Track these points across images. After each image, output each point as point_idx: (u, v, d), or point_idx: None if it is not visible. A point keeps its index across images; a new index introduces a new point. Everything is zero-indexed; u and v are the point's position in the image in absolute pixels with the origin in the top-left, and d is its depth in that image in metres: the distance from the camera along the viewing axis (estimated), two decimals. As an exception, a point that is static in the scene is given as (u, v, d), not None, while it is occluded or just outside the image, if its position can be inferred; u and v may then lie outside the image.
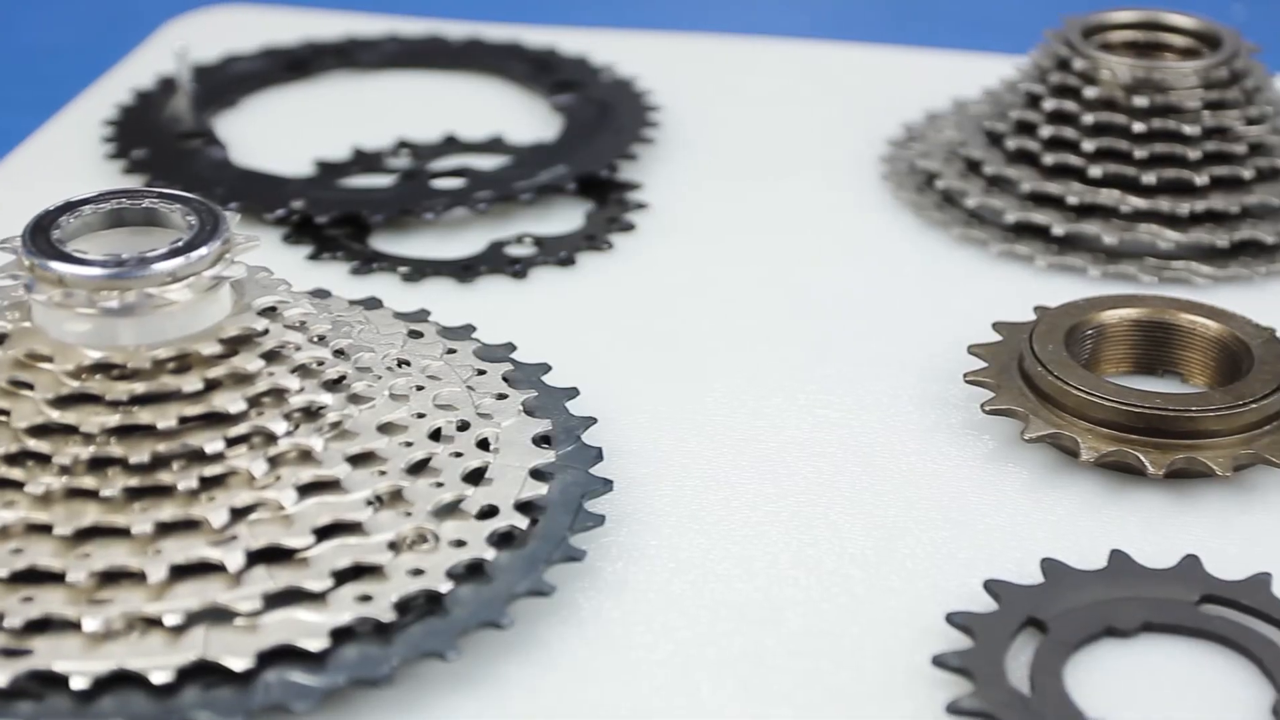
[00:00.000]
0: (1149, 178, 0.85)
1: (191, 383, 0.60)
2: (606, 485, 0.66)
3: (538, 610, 0.62)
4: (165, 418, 0.59)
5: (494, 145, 0.95)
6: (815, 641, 0.61)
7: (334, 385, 0.64)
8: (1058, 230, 0.85)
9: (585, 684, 0.59)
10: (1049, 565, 0.63)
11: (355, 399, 0.64)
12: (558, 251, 0.85)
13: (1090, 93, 0.87)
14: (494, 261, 0.84)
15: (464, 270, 0.84)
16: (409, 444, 0.64)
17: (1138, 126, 0.86)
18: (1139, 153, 0.85)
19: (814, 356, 0.78)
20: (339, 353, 0.66)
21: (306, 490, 0.61)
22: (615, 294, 0.83)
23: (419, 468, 0.64)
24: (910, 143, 0.96)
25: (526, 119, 1.00)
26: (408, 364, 0.69)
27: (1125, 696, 0.58)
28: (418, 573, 0.60)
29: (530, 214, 0.89)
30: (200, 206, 0.63)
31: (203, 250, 0.61)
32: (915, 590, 0.64)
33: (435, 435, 0.65)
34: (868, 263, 0.86)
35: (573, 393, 0.71)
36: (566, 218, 0.89)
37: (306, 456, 0.61)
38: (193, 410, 0.60)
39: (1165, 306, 0.75)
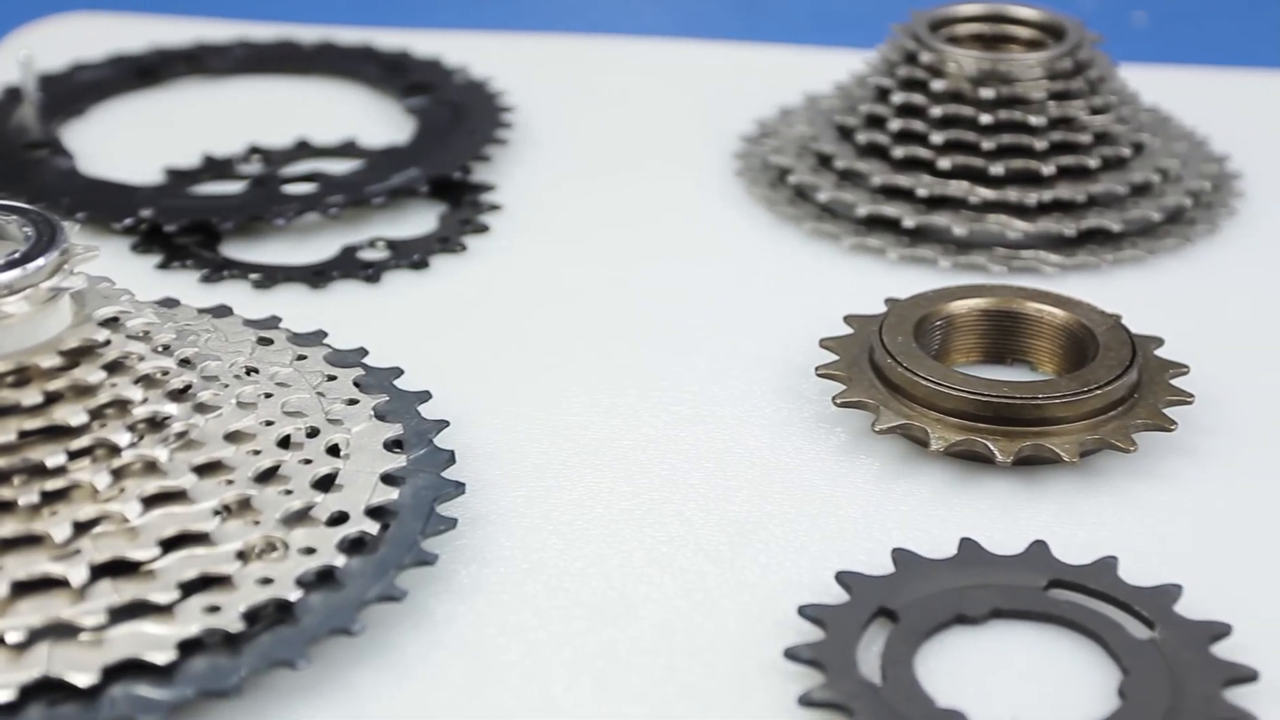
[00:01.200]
0: (997, 169, 0.86)
1: (31, 396, 0.59)
2: (459, 488, 0.65)
3: (390, 616, 0.61)
4: (4, 432, 0.58)
5: (347, 149, 0.95)
6: (669, 638, 0.61)
7: (179, 395, 0.63)
8: (908, 223, 0.85)
9: (439, 689, 0.59)
10: (900, 555, 0.63)
11: (201, 408, 0.64)
12: (411, 254, 0.85)
13: (938, 86, 0.88)
14: (346, 266, 0.84)
15: (316, 276, 0.83)
16: (257, 452, 0.63)
17: (985, 118, 0.87)
18: (987, 144, 0.86)
19: (668, 353, 0.78)
20: (184, 362, 0.65)
21: (151, 502, 0.60)
22: (469, 296, 0.83)
23: (267, 476, 0.63)
24: (763, 138, 0.96)
25: (379, 122, 0.99)
26: (256, 371, 0.69)
27: (975, 683, 0.59)
28: (266, 581, 0.59)
29: (383, 217, 0.89)
30: (37, 217, 0.62)
31: (40, 261, 0.60)
32: (768, 584, 0.64)
33: (284, 442, 0.65)
34: (721, 259, 0.86)
35: (425, 396, 0.70)
36: (420, 220, 0.89)
37: (151, 468, 0.60)
38: (32, 424, 0.59)
39: (1012, 296, 0.76)
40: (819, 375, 0.73)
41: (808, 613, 0.61)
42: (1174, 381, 0.72)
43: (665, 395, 0.75)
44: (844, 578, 0.62)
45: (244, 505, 0.61)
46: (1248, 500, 0.68)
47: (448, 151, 0.93)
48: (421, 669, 0.60)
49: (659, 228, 0.89)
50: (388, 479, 0.65)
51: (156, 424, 0.62)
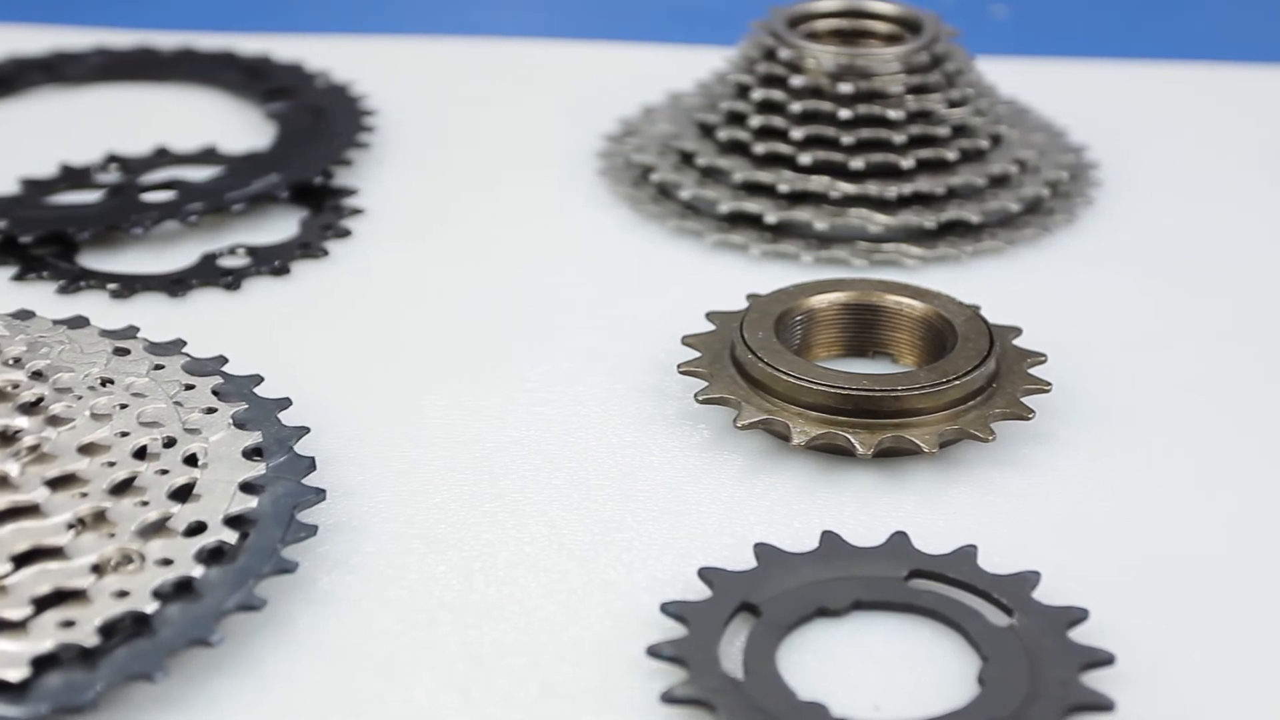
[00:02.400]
0: (857, 163, 0.86)
1: (-124, 413, 0.58)
2: (319, 495, 0.65)
3: (250, 625, 0.61)
4: None
5: (207, 156, 0.94)
6: (533, 639, 0.61)
7: (30, 408, 0.62)
8: (770, 218, 0.86)
9: (300, 697, 0.59)
10: (762, 550, 0.64)
11: (54, 421, 0.63)
12: (271, 261, 0.84)
13: (797, 81, 0.88)
14: (206, 274, 0.83)
15: (175, 284, 0.82)
16: (112, 464, 0.63)
17: (844, 113, 0.87)
18: (846, 139, 0.87)
19: (533, 354, 0.78)
20: (36, 374, 0.64)
21: (3, 517, 0.59)
22: (331, 302, 0.82)
23: (123, 487, 0.62)
24: (626, 137, 0.96)
25: (240, 128, 0.98)
26: (112, 382, 0.68)
27: (837, 675, 0.59)
28: (123, 594, 0.58)
29: (244, 224, 0.88)
30: (-119, 231, 0.61)
31: (-118, 276, 0.59)
32: (633, 582, 0.64)
33: (140, 453, 0.64)
34: (585, 258, 0.86)
35: (285, 403, 0.70)
36: (281, 227, 0.88)
37: (2, 482, 0.60)
38: (-122, 441, 0.58)
39: (871, 289, 0.77)
40: (681, 372, 0.73)
41: (670, 610, 0.61)
42: (1032, 370, 0.73)
43: (529, 396, 0.75)
44: (706, 574, 0.62)
45: (99, 518, 0.61)
46: (1104, 486, 0.69)
47: (309, 156, 0.92)
48: (282, 678, 0.59)
49: (522, 229, 0.89)
50: (247, 487, 0.64)
51: (7, 438, 0.61)
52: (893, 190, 0.86)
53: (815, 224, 0.85)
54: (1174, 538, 0.66)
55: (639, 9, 1.24)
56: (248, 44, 1.07)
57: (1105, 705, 0.57)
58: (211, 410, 0.68)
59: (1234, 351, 0.78)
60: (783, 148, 0.87)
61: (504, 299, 0.82)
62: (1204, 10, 1.24)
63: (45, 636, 0.57)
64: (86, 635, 0.57)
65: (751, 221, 0.87)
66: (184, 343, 0.74)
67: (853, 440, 0.69)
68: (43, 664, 0.56)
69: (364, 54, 1.07)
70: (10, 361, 0.63)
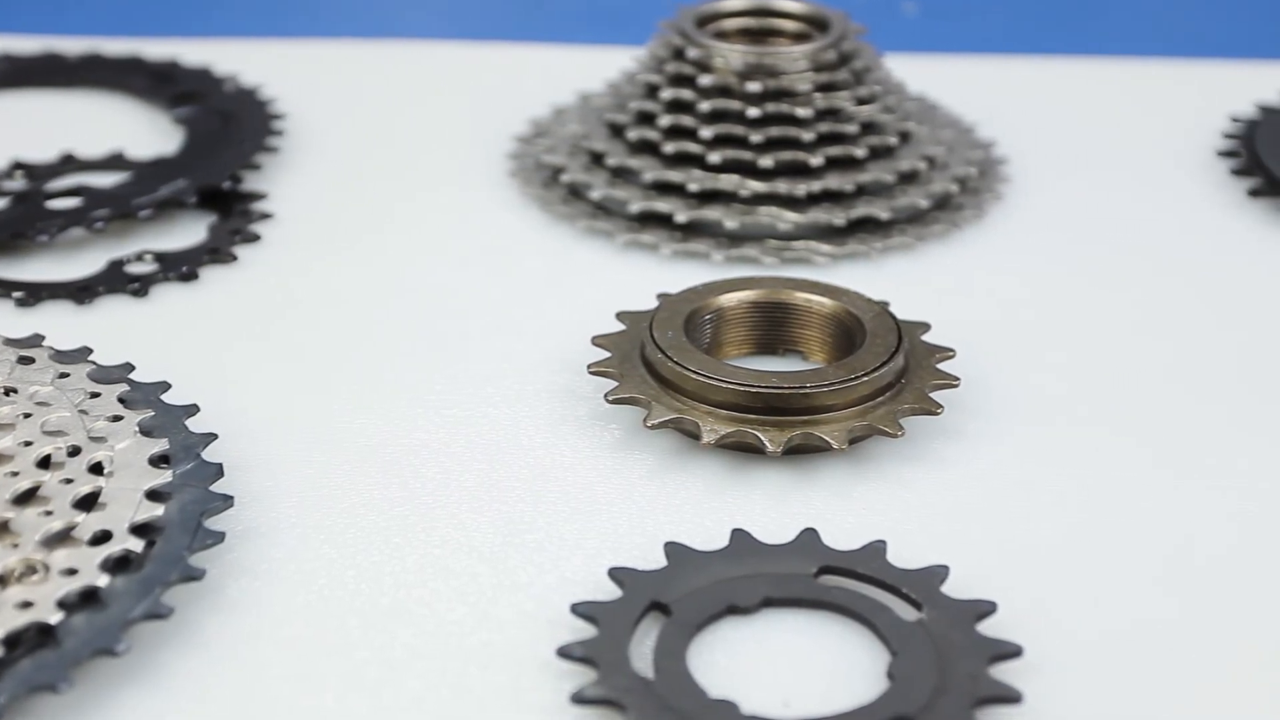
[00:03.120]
0: (766, 161, 0.87)
1: None
2: (227, 501, 0.65)
3: (157, 634, 0.60)
4: None
5: (113, 162, 0.93)
6: (444, 642, 0.61)
7: (-70, 419, 0.62)
8: (681, 217, 0.86)
9: (208, 706, 0.58)
10: (672, 549, 0.64)
11: (-45, 431, 0.62)
12: (179, 267, 0.84)
13: (705, 81, 0.88)
14: (113, 281, 0.82)
15: (81, 292, 0.81)
16: (14, 474, 0.62)
17: (752, 112, 0.87)
18: (755, 137, 0.87)
19: (443, 357, 0.77)
20: (-62, 385, 0.64)
21: (-96, 529, 0.59)
22: (240, 307, 0.82)
23: (26, 497, 0.62)
24: (536, 138, 0.96)
25: (147, 133, 0.97)
26: (15, 391, 0.67)
27: (747, 672, 0.59)
28: (26, 605, 0.58)
29: (151, 230, 0.87)
30: None
31: None
32: (543, 583, 0.64)
33: (44, 463, 0.64)
34: (496, 260, 0.86)
35: (193, 410, 0.69)
36: (189, 232, 0.87)
37: (-98, 494, 0.59)
38: None
39: (780, 287, 0.77)
40: (591, 373, 0.73)
41: (580, 610, 0.61)
42: (940, 366, 0.73)
43: (439, 399, 0.74)
44: (617, 574, 0.62)
45: (2, 528, 0.60)
46: (1012, 479, 0.69)
47: (217, 161, 0.92)
48: (190, 686, 0.59)
49: (433, 231, 0.88)
50: (153, 495, 0.64)
51: (-93, 449, 0.60)
52: (802, 188, 0.86)
53: (725, 222, 0.86)
54: (1082, 529, 0.67)
55: (549, 10, 1.24)
56: (155, 49, 1.06)
57: (1013, 697, 0.57)
58: (117, 418, 0.68)
59: (1139, 344, 0.79)
60: (692, 147, 0.87)
61: (414, 302, 0.82)
62: (1111, 6, 1.25)
63: (-53, 649, 0.56)
64: (-11, 647, 0.56)
65: (662, 221, 0.87)
66: (90, 350, 0.73)
67: (762, 438, 0.69)
68: (-55, 677, 0.56)
69: (273, 58, 1.07)
70: (-90, 372, 0.62)
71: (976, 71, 1.07)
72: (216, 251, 0.85)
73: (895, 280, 0.83)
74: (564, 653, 0.59)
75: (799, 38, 0.92)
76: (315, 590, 0.63)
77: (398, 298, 0.82)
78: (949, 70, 1.06)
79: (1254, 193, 0.91)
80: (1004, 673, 0.58)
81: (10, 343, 0.73)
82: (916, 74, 0.97)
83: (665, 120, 0.88)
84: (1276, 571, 0.65)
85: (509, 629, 0.62)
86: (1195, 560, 0.65)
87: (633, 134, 0.89)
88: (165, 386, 0.71)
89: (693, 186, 0.87)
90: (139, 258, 0.84)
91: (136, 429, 0.67)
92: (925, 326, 0.75)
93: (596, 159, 0.90)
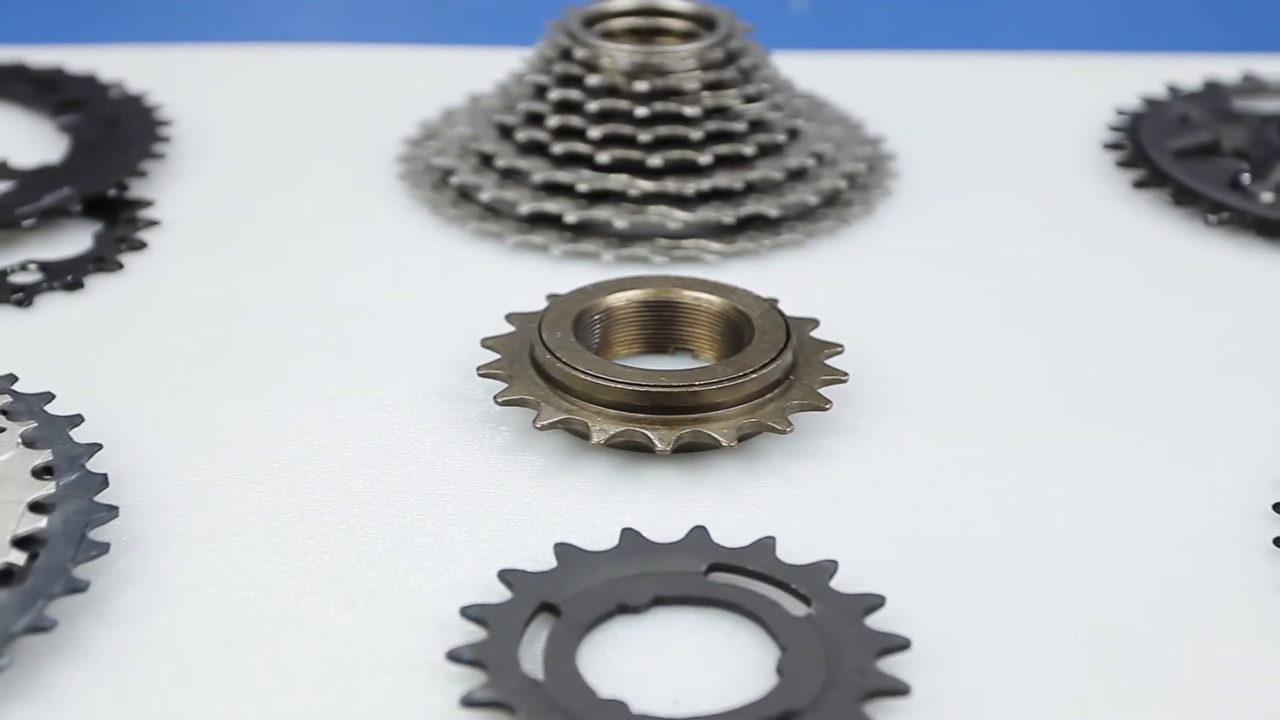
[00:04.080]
0: (655, 160, 0.87)
1: None
2: (112, 512, 0.64)
3: (41, 647, 0.59)
4: None
5: (-3, 170, 0.92)
6: (333, 649, 0.61)
7: None
8: (570, 218, 0.86)
9: (97, 718, 0.58)
10: (562, 549, 0.64)
11: None
12: (64, 276, 0.83)
13: (593, 81, 0.88)
14: (-3, 291, 0.82)
15: (-36, 302, 0.81)
16: (-107, 489, 0.61)
17: (640, 111, 0.87)
18: (644, 136, 0.87)
19: (332, 362, 0.77)
20: None
21: None
22: (127, 315, 0.81)
23: (-96, 513, 0.61)
24: (426, 141, 0.96)
25: (31, 142, 0.96)
26: (-106, 405, 0.67)
27: (638, 672, 0.59)
28: (-95, 622, 0.57)
29: (35, 239, 0.86)
30: None
31: None
32: (432, 587, 0.64)
33: (-77, 477, 0.63)
34: (386, 263, 0.85)
35: (77, 420, 0.69)
36: (74, 241, 0.86)
37: None
38: None
39: (669, 285, 0.77)
40: (481, 375, 0.73)
41: (469, 613, 0.60)
42: (829, 361, 0.73)
43: (328, 404, 0.74)
44: (506, 575, 0.62)
45: (-121, 545, 0.59)
46: (900, 473, 0.70)
47: (102, 168, 0.91)
48: (76, 700, 0.58)
49: (322, 235, 0.88)
50: (36, 507, 0.63)
51: None
52: (691, 187, 0.86)
53: (615, 222, 0.86)
54: (969, 521, 0.67)
55: (437, 11, 1.24)
56: (39, 56, 1.05)
57: (901, 690, 0.58)
58: (-1, 430, 0.67)
59: (1025, 336, 0.79)
60: (581, 147, 0.87)
61: (302, 307, 0.81)
62: (998, 1, 1.26)
63: None
64: None
65: (552, 222, 0.87)
66: (-28, 363, 0.72)
67: (652, 437, 0.69)
68: None
69: (160, 64, 1.06)
70: None
71: (866, 68, 1.08)
72: (102, 260, 0.84)
73: (785, 277, 0.83)
74: (453, 656, 0.59)
75: (686, 36, 0.92)
76: (203, 599, 0.63)
77: (286, 303, 0.82)
78: (838, 67, 1.06)
79: (1139, 184, 0.92)
80: (893, 665, 0.59)
81: (-110, 356, 0.72)
82: (806, 71, 0.98)
83: (554, 121, 0.88)
84: (1157, 557, 0.65)
85: (398, 634, 0.61)
86: (1078, 548, 0.66)
87: (522, 135, 0.89)
88: (49, 397, 0.70)
89: (582, 187, 0.86)
90: (23, 267, 0.84)
91: (19, 441, 0.66)
92: (814, 323, 0.75)
93: (486, 160, 0.90)
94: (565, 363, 0.70)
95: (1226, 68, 1.04)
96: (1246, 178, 0.90)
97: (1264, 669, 0.60)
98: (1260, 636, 0.62)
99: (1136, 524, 0.67)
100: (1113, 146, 0.96)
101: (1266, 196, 0.89)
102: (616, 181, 0.86)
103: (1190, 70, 1.04)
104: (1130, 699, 0.59)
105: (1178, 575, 0.65)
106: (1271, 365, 0.77)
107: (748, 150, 0.88)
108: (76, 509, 0.64)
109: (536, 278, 0.83)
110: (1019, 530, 0.67)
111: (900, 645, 0.59)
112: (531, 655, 0.59)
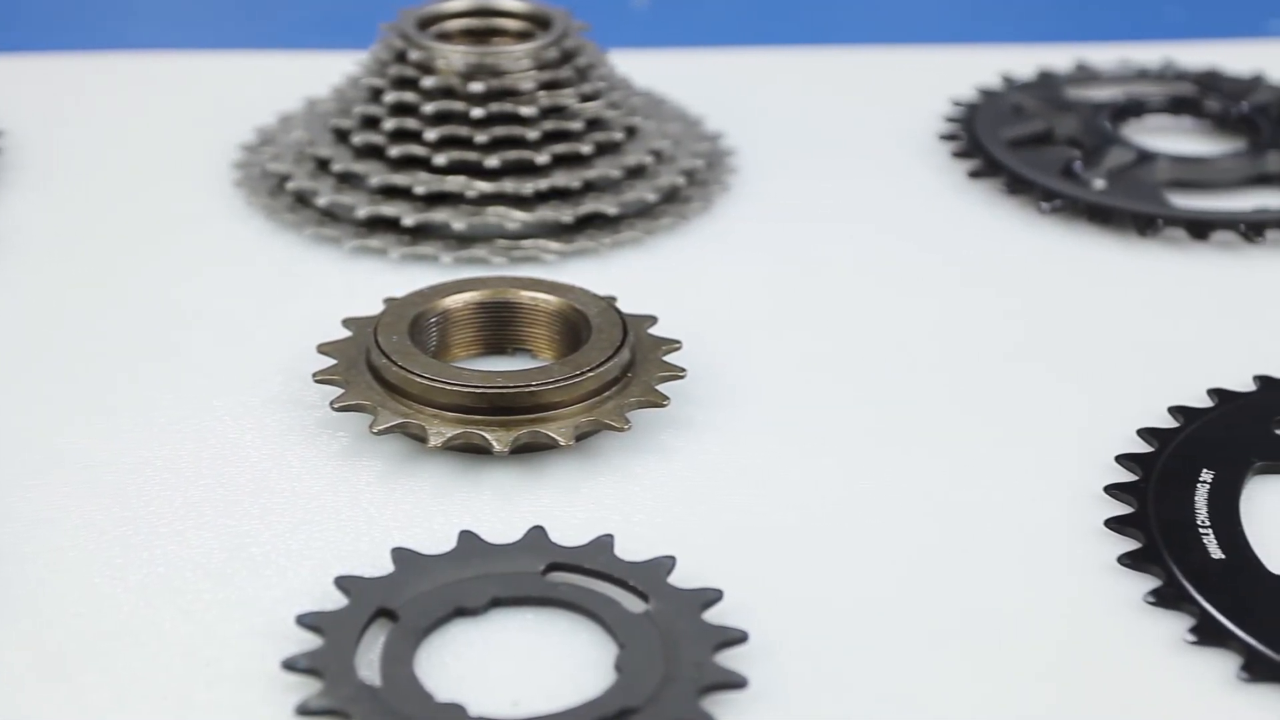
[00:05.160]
0: (492, 161, 0.86)
1: None
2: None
3: None
4: None
5: None
6: (169, 663, 0.60)
7: None
8: (408, 221, 0.85)
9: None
10: (399, 554, 0.63)
11: None
12: (-109, 292, 0.81)
13: (428, 82, 0.88)
14: None
15: None
16: None
17: (476, 112, 0.87)
18: (480, 137, 0.87)
19: (169, 370, 0.76)
20: None
21: None
22: (-45, 330, 0.80)
23: None
24: (262, 146, 0.95)
25: None
26: None
27: (476, 674, 0.59)
28: None
29: None
30: None
31: None
32: (270, 596, 0.63)
33: None
34: (222, 271, 0.85)
35: (-75, 442, 0.68)
36: (-100, 255, 0.85)
37: None
38: None
39: (506, 286, 0.77)
40: (317, 381, 0.72)
41: (305, 621, 0.60)
42: (667, 358, 0.73)
43: (163, 414, 0.73)
44: (343, 582, 0.62)
45: None
46: (737, 467, 0.70)
47: (-71, 182, 0.89)
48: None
49: (157, 244, 0.87)
50: None
51: None
52: (529, 187, 0.86)
53: (453, 224, 0.85)
54: (805, 513, 0.68)
55: (273, 16, 1.23)
56: None
57: (738, 683, 0.58)
58: None
59: (863, 328, 0.80)
60: (417, 149, 0.87)
61: (139, 315, 0.81)
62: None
63: None
64: None
65: (390, 225, 0.86)
66: None
67: (489, 438, 0.69)
68: None
69: (-12, 73, 1.04)
70: None
71: (704, 64, 1.08)
72: (-70, 274, 0.83)
73: (624, 275, 0.83)
74: (289, 664, 0.58)
75: (522, 36, 0.92)
76: (35, 618, 0.62)
77: (122, 312, 0.81)
78: (677, 64, 1.06)
79: (974, 174, 0.93)
80: (730, 659, 0.59)
81: None
82: (644, 69, 0.98)
83: (390, 124, 0.88)
84: (991, 543, 0.66)
85: (234, 644, 0.61)
86: (914, 540, 0.66)
87: (358, 139, 0.88)
88: (-122, 416, 0.69)
89: (419, 189, 0.86)
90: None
91: None
92: (653, 320, 0.76)
93: (322, 165, 0.89)
94: (401, 366, 0.70)
95: (1059, 57, 1.06)
96: (1079, 165, 0.92)
97: (1098, 649, 0.61)
98: (1093, 619, 0.62)
99: (970, 511, 0.68)
100: (948, 137, 0.97)
101: (1098, 183, 0.90)
102: (454, 183, 0.86)
103: (1025, 60, 1.06)
104: (966, 685, 0.60)
105: (1012, 560, 0.65)
106: (1103, 349, 0.78)
107: (585, 149, 0.88)
108: (-95, 529, 0.62)
109: (375, 282, 0.82)
110: (854, 522, 0.67)
111: (737, 639, 0.59)
112: (369, 661, 0.59)
